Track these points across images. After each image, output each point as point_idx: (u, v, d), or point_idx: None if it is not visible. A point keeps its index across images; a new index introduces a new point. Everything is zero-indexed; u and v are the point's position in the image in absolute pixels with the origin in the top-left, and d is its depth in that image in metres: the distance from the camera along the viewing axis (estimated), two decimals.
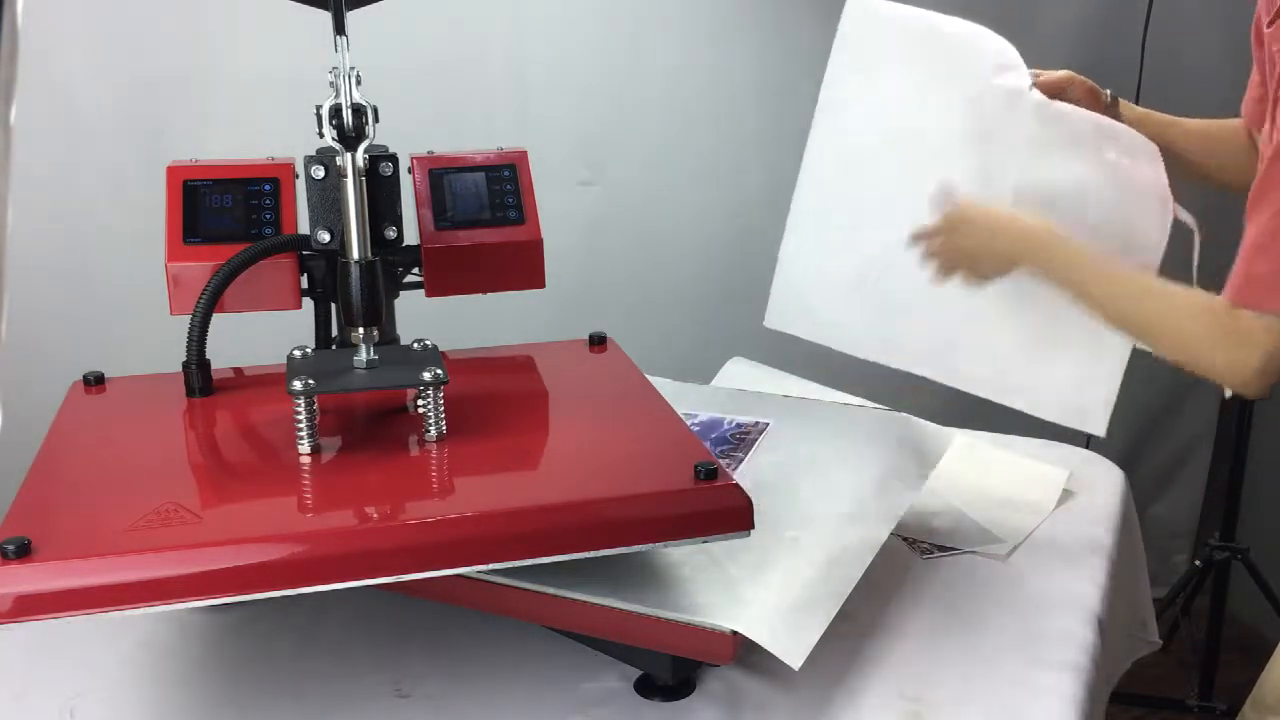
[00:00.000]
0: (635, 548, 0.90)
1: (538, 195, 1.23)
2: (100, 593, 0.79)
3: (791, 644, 0.93)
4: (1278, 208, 1.00)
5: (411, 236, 1.17)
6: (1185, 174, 1.35)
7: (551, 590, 0.98)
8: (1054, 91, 1.29)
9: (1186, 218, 1.21)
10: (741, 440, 1.28)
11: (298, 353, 1.04)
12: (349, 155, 0.99)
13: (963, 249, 1.20)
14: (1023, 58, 2.36)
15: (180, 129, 1.76)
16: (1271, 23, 1.12)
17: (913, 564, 1.22)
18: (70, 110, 1.72)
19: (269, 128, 1.66)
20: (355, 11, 1.03)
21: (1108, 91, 1.34)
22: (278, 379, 1.01)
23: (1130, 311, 1.12)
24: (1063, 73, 1.31)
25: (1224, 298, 1.04)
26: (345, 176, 1.00)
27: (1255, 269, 1.02)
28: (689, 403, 1.36)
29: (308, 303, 1.17)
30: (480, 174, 1.23)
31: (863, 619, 1.09)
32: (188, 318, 1.10)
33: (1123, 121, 1.32)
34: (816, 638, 0.95)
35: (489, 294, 1.22)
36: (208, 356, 1.11)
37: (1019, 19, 2.17)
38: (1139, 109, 1.37)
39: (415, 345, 1.06)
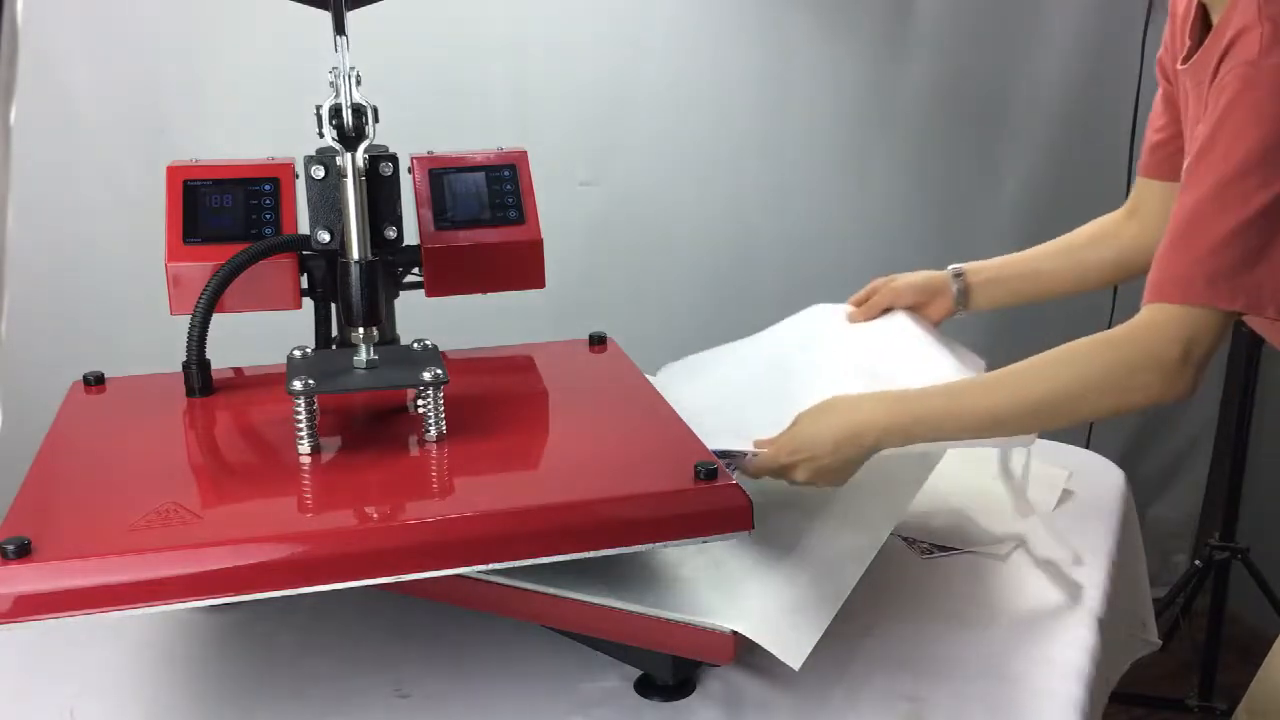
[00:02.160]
0: (635, 548, 0.90)
1: (538, 195, 1.23)
2: (100, 593, 0.79)
3: (792, 644, 0.93)
4: (1188, 209, 1.01)
5: (411, 236, 1.17)
6: (1079, 290, 1.37)
7: (551, 590, 0.98)
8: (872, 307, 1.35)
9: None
10: None
11: (298, 353, 1.04)
12: (349, 155, 0.99)
13: (813, 471, 1.06)
14: (1022, 67, 2.38)
15: (180, 129, 1.76)
16: (1185, 60, 1.12)
17: (913, 564, 1.22)
18: (70, 110, 1.72)
19: (269, 128, 1.67)
20: (355, 11, 1.03)
21: (950, 270, 1.36)
22: (278, 379, 1.01)
23: (1037, 402, 1.03)
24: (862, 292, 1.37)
25: (1145, 301, 1.03)
26: (345, 176, 1.00)
27: (1169, 268, 1.01)
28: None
29: (308, 303, 1.17)
30: (480, 174, 1.23)
31: (863, 619, 1.09)
32: (188, 318, 1.10)
33: (974, 290, 1.35)
34: (816, 638, 0.95)
35: (489, 294, 1.22)
36: (208, 356, 1.12)
37: (1018, 29, 2.18)
38: (992, 263, 1.38)
39: (415, 345, 1.06)
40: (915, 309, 1.36)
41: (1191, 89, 1.13)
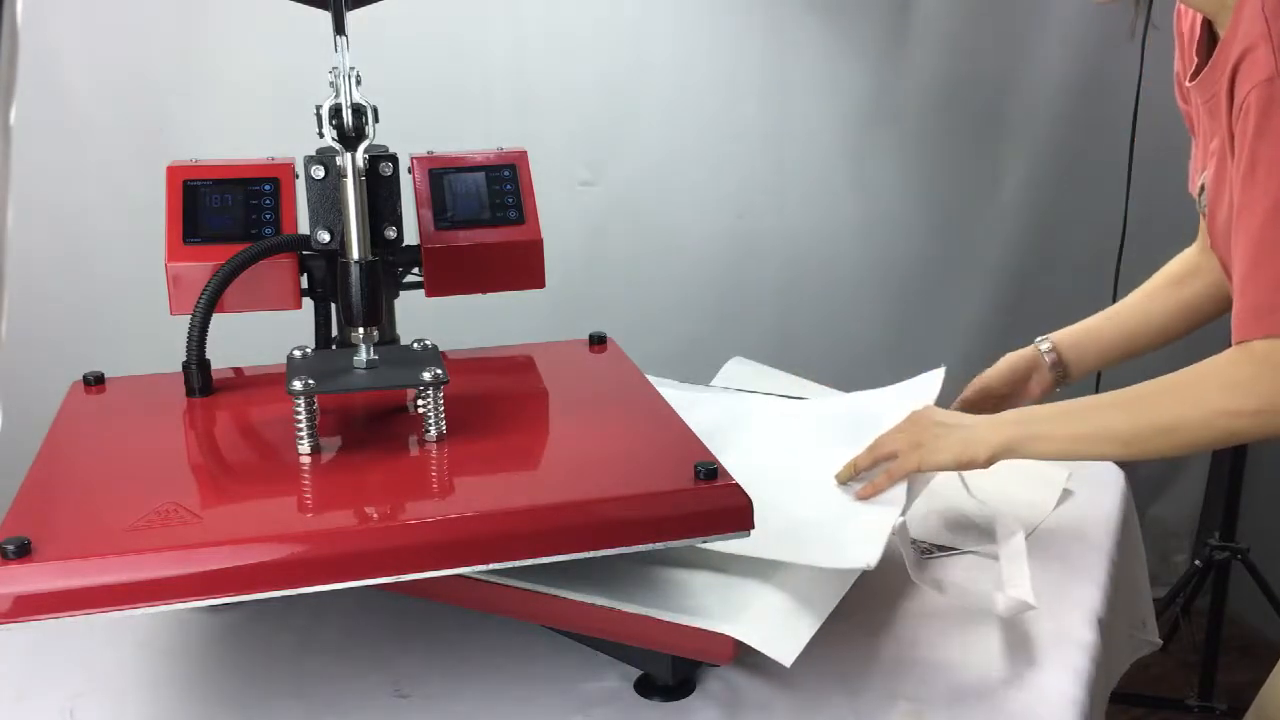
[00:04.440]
0: (635, 548, 0.90)
1: (538, 195, 1.23)
2: (100, 593, 0.79)
3: (784, 642, 0.93)
4: (1251, 239, 1.00)
5: (411, 236, 1.17)
6: (1188, 331, 1.35)
7: (551, 590, 0.98)
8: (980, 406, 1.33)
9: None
10: None
11: (298, 353, 1.04)
12: (349, 155, 0.99)
13: (933, 422, 1.14)
14: (1022, 67, 2.38)
15: (180, 129, 1.76)
16: (1193, 77, 1.12)
17: None
18: (70, 110, 1.72)
19: (269, 128, 1.67)
20: (355, 11, 1.03)
21: (1041, 347, 1.35)
22: (278, 379, 1.01)
23: (1161, 423, 1.03)
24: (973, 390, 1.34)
25: (1235, 340, 1.01)
26: (345, 176, 1.00)
27: (1248, 302, 1.00)
28: (689, 403, 1.36)
29: (308, 303, 1.17)
30: (480, 174, 1.23)
31: (863, 619, 1.09)
32: (188, 318, 1.10)
33: (1071, 359, 1.34)
34: (809, 635, 0.95)
35: (489, 294, 1.22)
36: (208, 356, 1.12)
37: (1018, 28, 2.18)
38: (1084, 327, 1.36)
39: (415, 345, 1.06)
40: (1011, 394, 1.35)
41: (1202, 104, 1.12)
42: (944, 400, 1.26)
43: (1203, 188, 1.18)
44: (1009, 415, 1.12)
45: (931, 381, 1.27)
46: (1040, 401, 1.35)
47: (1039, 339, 1.36)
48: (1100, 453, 1.11)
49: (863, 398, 1.34)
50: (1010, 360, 1.36)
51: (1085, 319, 1.38)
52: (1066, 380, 1.35)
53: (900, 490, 1.12)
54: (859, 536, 1.04)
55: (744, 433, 1.27)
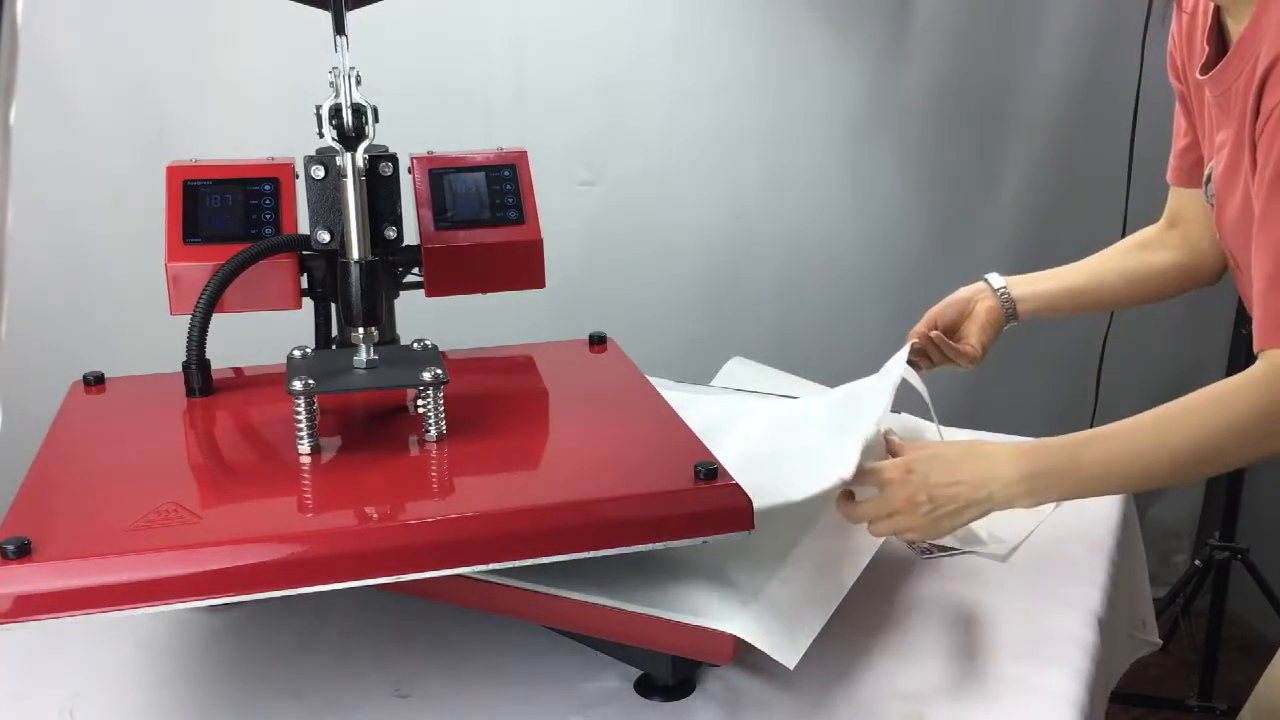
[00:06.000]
0: (635, 548, 0.90)
1: (538, 195, 1.23)
2: (100, 593, 0.79)
3: (787, 644, 0.93)
4: (1275, 248, 0.98)
5: (411, 236, 1.17)
6: (1136, 301, 1.35)
7: (552, 590, 0.98)
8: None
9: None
10: None
11: (298, 353, 1.04)
12: (349, 155, 0.99)
13: (928, 496, 1.02)
14: (1022, 67, 2.38)
15: (180, 129, 1.76)
16: (1205, 70, 1.10)
17: (913, 564, 1.22)
18: (70, 110, 1.72)
19: (269, 128, 1.67)
20: (355, 11, 1.03)
21: (998, 288, 1.33)
22: (278, 379, 1.01)
23: (1186, 451, 0.98)
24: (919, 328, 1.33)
25: (1256, 348, 1.00)
26: (345, 176, 1.00)
27: (1271, 312, 0.98)
28: (689, 403, 1.36)
29: (308, 303, 1.17)
30: (480, 174, 1.23)
31: (863, 619, 1.09)
32: (188, 318, 1.10)
33: (1020, 312, 1.32)
34: (812, 637, 0.95)
35: (489, 294, 1.22)
36: (208, 356, 1.12)
37: (1018, 29, 2.18)
38: (1034, 275, 1.35)
39: (415, 345, 1.06)
40: (961, 320, 1.34)
41: (1213, 100, 1.10)
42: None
43: (1208, 178, 1.17)
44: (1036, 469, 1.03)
45: (898, 358, 1.27)
46: (988, 327, 1.32)
47: (989, 277, 1.36)
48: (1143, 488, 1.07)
49: (844, 389, 1.34)
50: (957, 292, 1.36)
51: (1041, 271, 1.37)
52: (1014, 311, 1.33)
53: (883, 400, 1.12)
54: (833, 459, 1.04)
55: (735, 429, 1.28)
